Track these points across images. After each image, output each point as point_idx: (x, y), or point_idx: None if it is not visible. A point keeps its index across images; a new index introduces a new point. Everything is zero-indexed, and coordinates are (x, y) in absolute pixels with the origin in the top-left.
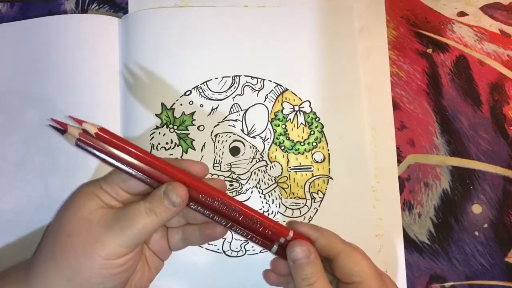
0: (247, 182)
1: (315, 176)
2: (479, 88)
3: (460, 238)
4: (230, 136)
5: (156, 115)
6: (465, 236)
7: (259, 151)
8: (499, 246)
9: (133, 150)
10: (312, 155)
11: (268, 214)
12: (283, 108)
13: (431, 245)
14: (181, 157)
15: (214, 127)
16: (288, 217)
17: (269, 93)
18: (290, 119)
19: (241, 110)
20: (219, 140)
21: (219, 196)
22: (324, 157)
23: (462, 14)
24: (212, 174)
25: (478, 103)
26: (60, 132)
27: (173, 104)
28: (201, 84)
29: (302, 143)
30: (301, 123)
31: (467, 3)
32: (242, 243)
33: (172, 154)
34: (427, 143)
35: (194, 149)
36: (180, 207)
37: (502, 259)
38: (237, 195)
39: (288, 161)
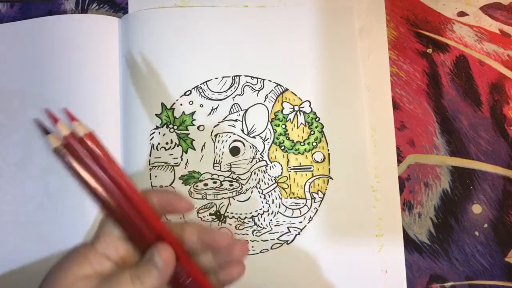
0: (247, 182)
1: (315, 176)
2: (479, 88)
3: (460, 238)
4: (230, 136)
5: (156, 115)
6: (465, 236)
7: (259, 151)
8: (499, 246)
9: (112, 173)
10: (312, 155)
11: (268, 214)
12: (283, 108)
13: (431, 245)
14: (181, 157)
15: (214, 127)
16: (289, 217)
17: (269, 93)
18: (290, 119)
19: (241, 110)
20: (219, 140)
21: (194, 277)
22: (324, 157)
23: (462, 14)
24: (212, 174)
25: (478, 103)
26: (44, 132)
27: (173, 104)
28: (201, 84)
29: (302, 143)
30: (301, 123)
31: (467, 3)
32: None
33: (172, 154)
34: (427, 143)
35: (194, 149)
36: (166, 273)
37: (502, 259)
38: (237, 195)
39: (288, 161)
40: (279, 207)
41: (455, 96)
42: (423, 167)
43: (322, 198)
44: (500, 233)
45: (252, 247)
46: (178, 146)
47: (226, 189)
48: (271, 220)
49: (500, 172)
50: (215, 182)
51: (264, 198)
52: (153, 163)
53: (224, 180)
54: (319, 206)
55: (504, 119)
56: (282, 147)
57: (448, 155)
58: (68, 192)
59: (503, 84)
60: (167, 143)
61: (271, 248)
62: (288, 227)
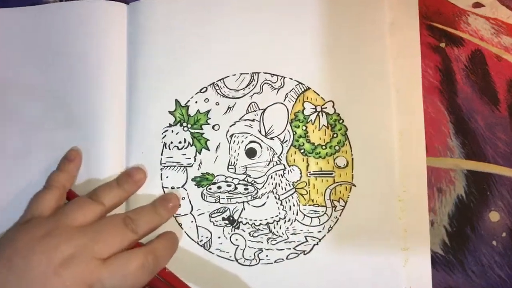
0: (263, 186)
1: (337, 182)
2: (496, 85)
3: (476, 248)
4: (247, 137)
5: (170, 112)
6: (482, 246)
7: (276, 153)
8: None
9: None
10: (334, 159)
11: (285, 221)
12: (304, 108)
13: (445, 256)
14: (194, 157)
15: (230, 126)
16: (306, 225)
17: (290, 91)
18: (311, 120)
19: (259, 109)
20: (234, 141)
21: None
22: (347, 162)
23: (477, 5)
24: (227, 177)
25: (495, 102)
26: None
27: (187, 101)
28: (217, 81)
29: (323, 147)
30: (323, 125)
31: None
32: (256, 252)
33: (185, 154)
34: (441, 145)
35: (208, 150)
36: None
37: None
38: (251, 200)
39: (308, 165)
40: (297, 215)
41: (471, 94)
42: (436, 171)
43: (344, 207)
44: None
45: (267, 256)
46: (191, 145)
47: (240, 193)
48: (287, 228)
49: None
50: (229, 185)
51: (281, 204)
52: (165, 163)
53: (238, 184)
54: (340, 215)
55: None
56: (302, 150)
57: (463, 158)
58: None
59: None
60: (180, 142)
61: (286, 258)
62: (305, 236)
